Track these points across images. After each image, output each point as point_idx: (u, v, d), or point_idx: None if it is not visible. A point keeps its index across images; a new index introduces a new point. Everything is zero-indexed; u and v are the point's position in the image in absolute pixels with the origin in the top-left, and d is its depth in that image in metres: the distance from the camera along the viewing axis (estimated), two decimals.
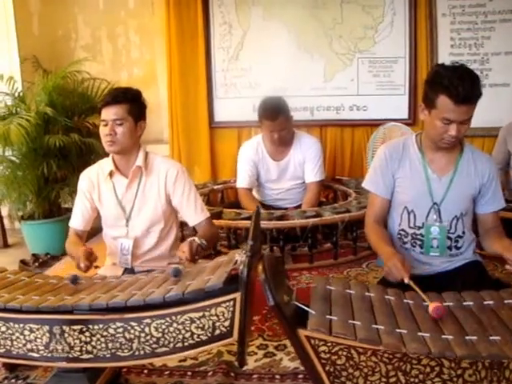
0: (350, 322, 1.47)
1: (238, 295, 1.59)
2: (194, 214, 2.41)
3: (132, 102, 2.34)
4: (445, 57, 3.74)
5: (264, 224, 2.93)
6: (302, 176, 3.49)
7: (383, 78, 4.03)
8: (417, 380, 1.45)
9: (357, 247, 3.23)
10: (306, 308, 1.50)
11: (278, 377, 1.96)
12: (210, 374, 1.97)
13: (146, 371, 2.03)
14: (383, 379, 1.45)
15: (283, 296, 1.50)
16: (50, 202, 3.81)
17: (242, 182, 3.47)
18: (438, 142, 2.00)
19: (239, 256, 1.68)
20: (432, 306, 1.54)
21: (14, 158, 3.79)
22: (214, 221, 3.07)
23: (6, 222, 4.20)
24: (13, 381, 2.03)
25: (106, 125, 2.31)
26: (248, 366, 2.02)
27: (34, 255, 3.69)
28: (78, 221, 2.48)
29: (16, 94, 3.85)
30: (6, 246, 4.19)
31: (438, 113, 1.92)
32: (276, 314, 1.45)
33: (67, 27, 4.43)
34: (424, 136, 2.12)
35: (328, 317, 1.48)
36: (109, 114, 2.29)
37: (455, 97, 1.84)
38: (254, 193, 3.63)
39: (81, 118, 3.93)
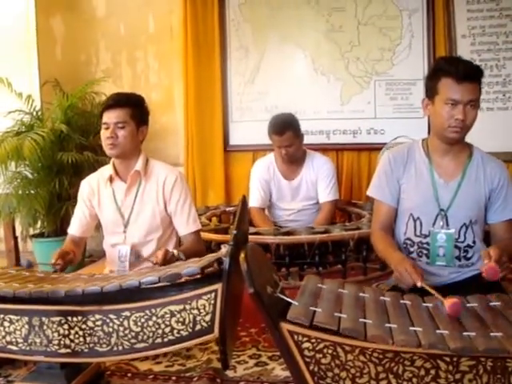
0: (336, 314, 1.36)
1: (219, 286, 1.51)
2: (186, 223, 2.37)
3: (134, 106, 2.34)
4: None
5: (270, 239, 2.84)
6: (315, 196, 3.41)
7: (401, 100, 3.94)
8: None
9: (367, 268, 3.09)
10: (289, 299, 1.39)
11: None
12: (195, 379, 1.87)
13: (129, 374, 1.93)
14: (372, 382, 1.32)
15: (267, 287, 1.39)
16: (61, 220, 3.80)
17: (254, 201, 3.41)
18: (444, 133, 1.92)
19: (224, 248, 1.62)
20: (448, 302, 1.42)
21: (27, 174, 3.82)
22: (220, 236, 3.03)
23: (20, 244, 4.22)
24: None
25: (107, 128, 2.30)
26: (236, 373, 1.92)
27: None
28: (75, 227, 2.48)
29: (34, 113, 3.91)
30: (18, 265, 4.17)
31: (441, 97, 1.88)
32: (256, 304, 1.34)
33: (89, 52, 4.52)
34: (431, 138, 2.06)
35: (312, 308, 1.36)
36: (110, 116, 2.29)
37: (456, 74, 1.83)
38: (266, 214, 3.56)
39: (96, 137, 3.95)
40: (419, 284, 1.68)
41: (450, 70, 1.85)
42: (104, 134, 2.31)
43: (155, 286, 1.61)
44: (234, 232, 1.50)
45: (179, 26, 4.27)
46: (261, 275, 1.38)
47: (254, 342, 2.23)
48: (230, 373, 1.91)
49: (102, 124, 2.32)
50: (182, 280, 1.60)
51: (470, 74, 1.85)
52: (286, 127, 3.24)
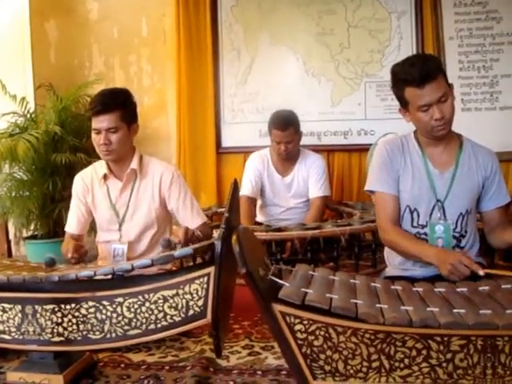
0: (328, 295, 1.37)
1: (211, 270, 1.51)
2: (191, 218, 2.36)
3: (123, 106, 2.27)
4: (454, 80, 3.64)
5: (261, 235, 2.85)
6: (306, 194, 3.43)
7: (391, 101, 3.91)
8: (402, 365, 1.33)
9: (359, 265, 3.10)
10: (280, 281, 1.40)
11: (259, 372, 1.83)
12: (188, 368, 1.87)
13: (122, 365, 1.93)
14: (365, 363, 1.34)
15: (258, 269, 1.41)
16: (54, 222, 3.80)
17: (245, 189, 3.41)
18: (431, 133, 1.94)
19: (217, 232, 1.63)
20: None
21: (21, 175, 3.82)
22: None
23: (13, 249, 4.21)
24: None
25: (98, 133, 2.24)
26: (229, 363, 1.92)
27: None
28: (73, 225, 2.45)
29: (28, 116, 3.92)
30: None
31: (413, 106, 1.90)
32: (249, 285, 1.35)
33: (82, 55, 4.54)
34: (419, 134, 2.07)
35: (303, 289, 1.38)
36: (101, 123, 2.22)
37: (413, 81, 1.85)
38: (258, 213, 3.58)
39: (89, 139, 3.95)
40: (481, 272, 1.68)
41: (408, 79, 1.86)
42: (96, 140, 2.26)
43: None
44: (226, 215, 1.50)
45: (172, 29, 4.32)
46: (253, 257, 1.39)
47: (246, 333, 2.24)
48: (222, 362, 1.92)
49: (93, 129, 2.26)
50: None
51: (427, 75, 1.84)
52: (288, 123, 3.29)
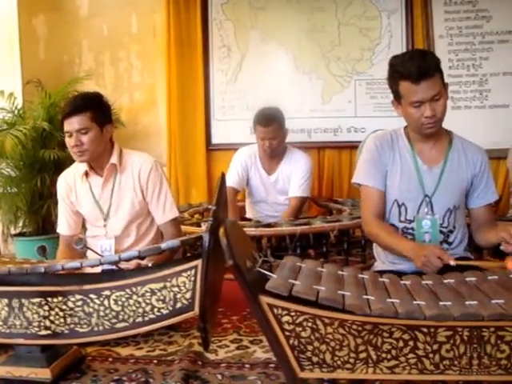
0: (315, 287, 1.37)
1: (199, 262, 1.51)
2: (162, 213, 2.37)
3: (93, 108, 2.26)
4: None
5: (251, 231, 2.85)
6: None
7: (381, 99, 4.01)
8: (389, 356, 1.33)
9: (348, 261, 3.10)
10: (268, 273, 1.41)
11: (247, 366, 1.84)
12: (176, 362, 1.86)
13: (110, 359, 1.93)
14: (352, 354, 1.34)
15: (246, 261, 1.41)
16: (43, 218, 3.77)
17: (230, 180, 3.38)
18: (420, 130, 1.95)
19: (204, 225, 1.62)
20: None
21: (9, 170, 3.80)
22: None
23: (1, 247, 4.18)
24: None
25: (70, 136, 2.24)
26: (217, 356, 1.92)
27: None
28: (64, 227, 2.46)
29: (16, 112, 3.89)
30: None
31: (405, 100, 1.90)
32: (236, 277, 1.34)
33: (72, 52, 4.52)
34: (410, 129, 2.07)
35: (290, 281, 1.38)
36: (71, 124, 2.22)
37: (410, 77, 1.84)
38: (247, 210, 3.59)
39: None
40: (453, 263, 1.69)
41: (405, 73, 1.85)
42: (69, 143, 2.25)
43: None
44: (214, 208, 1.49)
45: (162, 25, 4.32)
46: (240, 250, 1.39)
47: (235, 327, 2.24)
48: (211, 356, 1.91)
49: (65, 132, 2.26)
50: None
51: (425, 72, 1.83)
52: (272, 119, 3.28)
